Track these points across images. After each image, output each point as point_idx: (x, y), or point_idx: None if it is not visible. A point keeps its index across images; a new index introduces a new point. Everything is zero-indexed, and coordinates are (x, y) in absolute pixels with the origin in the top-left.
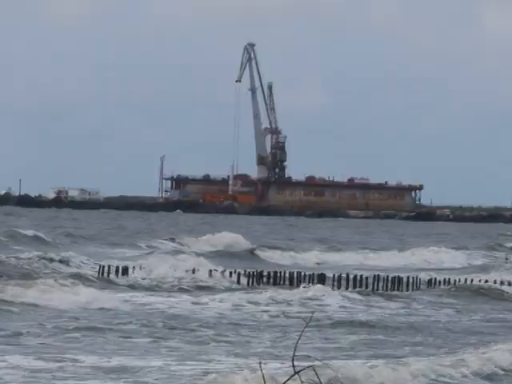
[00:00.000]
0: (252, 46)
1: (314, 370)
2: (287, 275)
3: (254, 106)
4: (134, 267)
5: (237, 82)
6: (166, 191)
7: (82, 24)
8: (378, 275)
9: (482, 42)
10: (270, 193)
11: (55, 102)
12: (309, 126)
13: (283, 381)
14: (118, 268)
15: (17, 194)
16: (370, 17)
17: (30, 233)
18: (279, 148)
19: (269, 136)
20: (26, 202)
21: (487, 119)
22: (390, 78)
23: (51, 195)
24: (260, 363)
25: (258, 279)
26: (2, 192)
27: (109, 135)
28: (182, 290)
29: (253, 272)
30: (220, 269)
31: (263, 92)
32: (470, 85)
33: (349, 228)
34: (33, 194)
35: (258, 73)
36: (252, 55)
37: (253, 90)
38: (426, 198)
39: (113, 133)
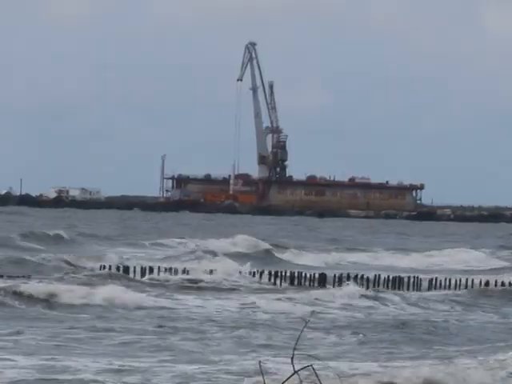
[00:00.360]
0: (253, 45)
1: (314, 370)
2: (288, 274)
3: (255, 105)
4: (158, 267)
5: (238, 80)
6: (166, 191)
7: (82, 24)
8: (379, 275)
9: (482, 42)
10: (270, 192)
11: (55, 102)
12: (309, 126)
13: (283, 380)
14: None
15: (18, 194)
16: (369, 17)
17: (51, 232)
18: (280, 147)
19: (270, 135)
20: (26, 201)
21: (487, 119)
22: (390, 78)
23: (52, 195)
24: (260, 362)
25: (260, 278)
26: (3, 192)
27: (109, 135)
28: (191, 290)
29: (257, 271)
30: (246, 269)
31: (264, 91)
32: (470, 85)
33: (354, 228)
34: (33, 193)
35: (260, 72)
36: (253, 54)
37: (254, 89)
38: (427, 198)
39: (113, 133)
